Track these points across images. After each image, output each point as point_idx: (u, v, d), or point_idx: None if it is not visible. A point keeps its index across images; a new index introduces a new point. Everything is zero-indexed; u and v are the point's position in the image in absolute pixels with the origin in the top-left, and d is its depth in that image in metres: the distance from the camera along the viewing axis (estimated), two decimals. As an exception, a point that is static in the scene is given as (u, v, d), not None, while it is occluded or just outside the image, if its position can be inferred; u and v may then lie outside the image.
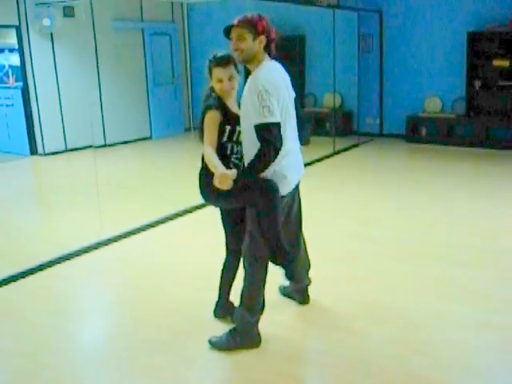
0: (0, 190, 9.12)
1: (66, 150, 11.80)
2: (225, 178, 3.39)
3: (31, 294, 4.94)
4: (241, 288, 3.90)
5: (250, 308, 3.86)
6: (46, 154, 11.54)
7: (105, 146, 12.14)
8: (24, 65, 11.26)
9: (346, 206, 7.28)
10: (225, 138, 3.82)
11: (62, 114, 11.72)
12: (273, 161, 3.50)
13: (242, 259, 3.95)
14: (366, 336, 4.00)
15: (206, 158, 3.67)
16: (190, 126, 13.00)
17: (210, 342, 3.94)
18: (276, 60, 3.88)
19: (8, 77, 12.78)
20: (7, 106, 11.76)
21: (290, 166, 3.74)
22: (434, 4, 11.14)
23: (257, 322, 3.92)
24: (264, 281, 3.88)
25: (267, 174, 3.60)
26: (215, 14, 13.10)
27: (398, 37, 11.69)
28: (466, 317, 4.24)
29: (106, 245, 6.01)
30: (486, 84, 10.69)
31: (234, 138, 3.86)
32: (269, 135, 3.44)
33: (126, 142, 12.61)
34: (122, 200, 7.74)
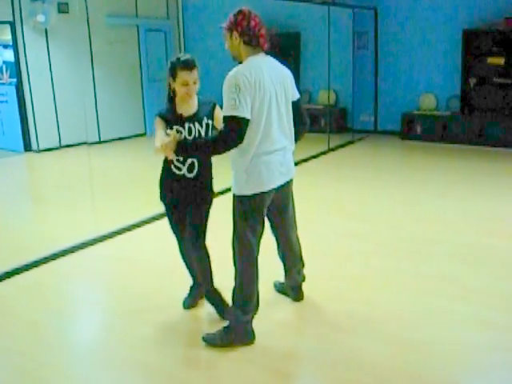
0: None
1: (60, 147, 11.76)
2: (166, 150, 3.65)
3: (25, 291, 4.92)
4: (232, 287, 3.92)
5: (243, 307, 3.86)
6: (40, 151, 11.50)
7: (99, 142, 12.11)
8: (18, 61, 11.21)
9: (341, 203, 7.27)
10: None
11: (56, 111, 11.68)
12: (223, 151, 3.59)
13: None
14: (363, 334, 3.99)
15: (157, 152, 3.76)
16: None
17: (203, 338, 3.93)
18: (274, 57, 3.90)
19: (2, 73, 12.73)
20: (1, 102, 11.72)
21: (275, 163, 3.76)
22: (429, 1, 11.14)
23: (251, 319, 3.92)
24: (255, 278, 3.89)
25: (250, 165, 3.67)
26: (210, 10, 13.08)
27: (393, 34, 11.69)
28: (466, 315, 4.23)
29: (100, 241, 5.99)
30: (481, 81, 10.69)
31: (188, 137, 3.94)
32: (229, 128, 3.52)
33: (120, 139, 12.59)
34: (116, 196, 7.73)
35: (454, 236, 5.91)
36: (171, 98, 4.06)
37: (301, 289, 4.52)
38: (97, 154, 10.18)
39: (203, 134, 4.00)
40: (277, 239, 4.31)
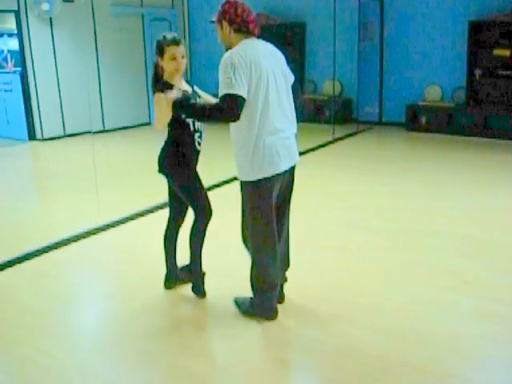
0: (-2, 175, 9.11)
1: (65, 136, 11.78)
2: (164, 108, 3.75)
3: (28, 279, 4.93)
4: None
5: (261, 287, 3.99)
6: (44, 140, 11.52)
7: (103, 131, 12.11)
8: (23, 50, 11.20)
9: (343, 194, 7.26)
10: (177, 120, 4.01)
11: (60, 100, 11.69)
12: (214, 122, 3.72)
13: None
14: (363, 325, 3.99)
15: (160, 122, 3.87)
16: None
17: (235, 299, 4.22)
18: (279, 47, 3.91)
19: (7, 62, 12.74)
20: (6, 91, 11.72)
21: (278, 146, 3.75)
22: (435, -8, 11.09)
23: (274, 296, 4.02)
24: (270, 261, 3.92)
25: (255, 147, 3.68)
26: (214, 1, 13.05)
27: (398, 25, 11.63)
28: (467, 307, 4.22)
29: (103, 230, 6.00)
30: (487, 73, 10.64)
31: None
32: (225, 105, 3.53)
33: (124, 128, 12.58)
34: (119, 186, 7.72)
35: (456, 228, 5.89)
36: (158, 78, 4.13)
37: (282, 290, 4.30)
38: (101, 143, 10.18)
39: None
40: None
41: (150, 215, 6.41)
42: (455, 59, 11.05)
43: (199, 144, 4.20)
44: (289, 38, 12.59)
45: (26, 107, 11.43)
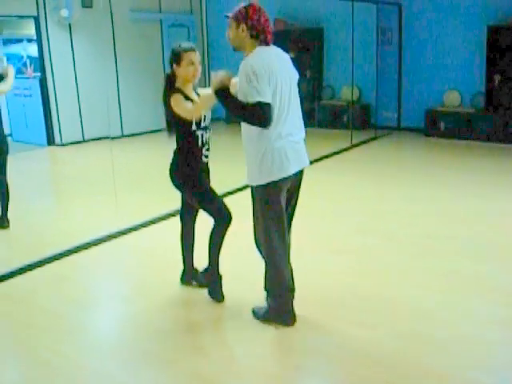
0: (18, 180, 9.15)
1: (84, 141, 11.84)
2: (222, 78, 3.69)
3: (47, 284, 4.95)
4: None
5: (276, 291, 4.02)
6: (63, 145, 11.59)
7: (122, 136, 12.16)
8: (42, 55, 11.29)
9: (361, 199, 7.23)
10: (194, 127, 4.15)
11: (79, 105, 11.75)
12: (247, 121, 3.68)
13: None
14: (379, 330, 3.97)
15: (198, 112, 4.04)
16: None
17: (252, 310, 4.20)
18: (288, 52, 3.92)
19: (26, 67, 12.82)
20: (25, 96, 11.80)
21: (287, 150, 3.78)
22: (454, -3, 11.05)
23: (290, 301, 4.04)
24: (284, 264, 3.97)
25: (265, 151, 3.71)
26: (233, 5, 13.06)
27: (417, 30, 11.59)
28: (481, 312, 4.20)
29: (123, 234, 6.02)
30: (506, 78, 10.57)
31: (202, 125, 4.20)
32: (258, 111, 3.55)
33: (143, 133, 12.62)
34: (138, 190, 7.74)
35: (473, 234, 5.85)
36: (172, 84, 4.22)
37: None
38: (119, 149, 10.21)
39: (208, 122, 4.27)
40: None
41: (169, 220, 6.42)
42: (474, 64, 10.99)
43: (206, 157, 4.31)
44: (307, 43, 12.59)
45: (45, 112, 11.51)
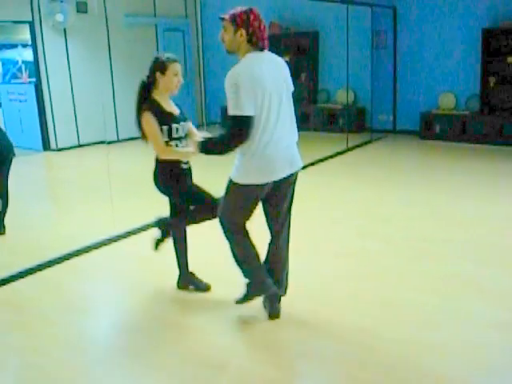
0: (13, 185, 9.12)
1: (79, 146, 11.84)
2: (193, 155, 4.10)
3: (44, 288, 4.94)
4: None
5: (246, 271, 4.12)
6: (58, 150, 11.58)
7: (118, 141, 12.15)
8: (37, 60, 11.28)
9: (357, 202, 7.23)
10: (166, 138, 4.25)
11: (74, 110, 11.75)
12: (230, 149, 3.78)
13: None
14: (379, 334, 3.96)
15: (167, 156, 4.27)
16: (202, 121, 12.97)
17: (236, 301, 4.22)
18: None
19: (21, 72, 12.82)
20: (20, 101, 11.80)
21: (275, 156, 3.81)
22: (448, 0, 11.06)
23: (262, 270, 4.12)
24: (247, 246, 4.07)
25: (250, 159, 3.78)
26: (228, 9, 13.07)
27: (411, 33, 11.62)
28: (482, 316, 4.19)
29: (118, 240, 6.01)
30: (501, 81, 10.60)
31: (175, 135, 4.28)
32: (236, 126, 3.67)
33: (138, 138, 12.56)
34: (134, 195, 7.73)
35: (470, 237, 5.85)
36: (146, 96, 4.39)
37: (278, 302, 4.25)
38: (115, 153, 10.22)
39: (183, 134, 4.38)
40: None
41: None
42: (469, 67, 11.01)
43: (186, 162, 4.40)
44: (302, 46, 12.61)
45: (40, 117, 11.50)
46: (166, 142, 4.24)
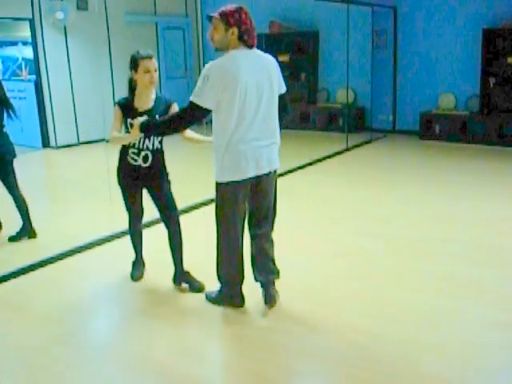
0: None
1: (79, 143, 11.83)
2: (134, 134, 4.21)
3: (41, 287, 4.94)
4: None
5: (226, 282, 4.27)
6: (58, 147, 11.57)
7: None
8: (37, 58, 11.28)
9: (357, 202, 7.23)
10: (125, 130, 4.51)
11: (74, 107, 11.74)
12: (171, 130, 4.01)
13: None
14: (378, 334, 3.96)
15: (114, 142, 4.58)
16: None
17: (205, 294, 4.49)
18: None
19: (21, 70, 12.81)
20: (20, 98, 11.78)
21: (248, 154, 3.89)
22: (449, 0, 11.05)
23: (239, 288, 4.27)
24: (234, 262, 4.19)
25: (223, 155, 3.88)
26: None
27: (412, 33, 11.61)
28: (480, 316, 4.19)
29: (117, 238, 6.00)
30: (501, 81, 10.60)
31: (137, 146, 4.50)
32: (188, 112, 3.85)
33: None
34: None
35: (469, 237, 5.85)
36: (132, 90, 4.52)
37: (273, 286, 4.39)
38: (114, 151, 10.18)
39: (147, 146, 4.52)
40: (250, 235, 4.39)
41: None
42: (469, 67, 11.01)
43: (134, 160, 4.58)
44: (302, 46, 12.59)
45: (40, 115, 11.50)
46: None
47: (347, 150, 10.58)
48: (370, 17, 11.65)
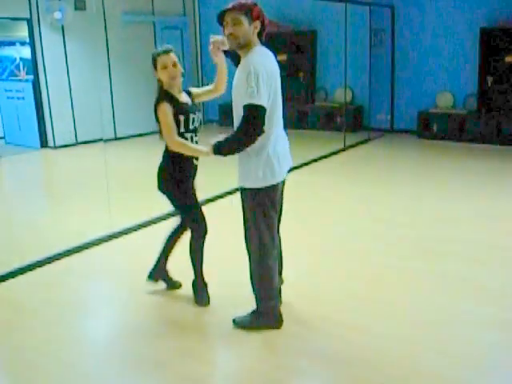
0: (11, 183, 9.14)
1: (77, 143, 11.82)
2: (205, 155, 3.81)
3: (39, 287, 4.93)
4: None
5: (264, 295, 3.96)
6: (56, 147, 11.56)
7: (115, 139, 12.14)
8: (35, 58, 11.27)
9: (355, 201, 7.23)
10: (182, 129, 4.10)
11: (72, 107, 11.73)
12: (251, 142, 3.57)
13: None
14: (379, 334, 3.96)
15: (178, 148, 4.03)
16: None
17: (234, 321, 4.07)
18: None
19: (19, 70, 12.80)
20: (18, 98, 11.78)
21: (280, 154, 3.77)
22: (446, -1, 11.08)
23: (276, 305, 4.01)
24: (272, 271, 3.92)
25: (268, 155, 3.66)
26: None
27: (410, 32, 11.61)
28: (482, 315, 4.19)
29: (115, 238, 6.00)
30: (499, 80, 10.61)
31: (191, 127, 4.17)
32: (251, 116, 3.50)
33: (136, 136, 12.60)
34: (131, 193, 7.73)
35: (469, 236, 5.86)
36: (160, 89, 4.24)
37: (279, 293, 4.22)
38: (113, 151, 10.20)
39: (198, 124, 4.22)
40: None
41: (162, 223, 6.40)
42: (467, 66, 11.02)
43: (197, 159, 4.24)
44: (300, 45, 12.59)
45: (38, 115, 11.49)
46: (182, 134, 4.09)
47: (345, 149, 10.58)
48: (368, 16, 11.65)
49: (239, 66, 3.68)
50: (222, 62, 4.28)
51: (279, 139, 3.78)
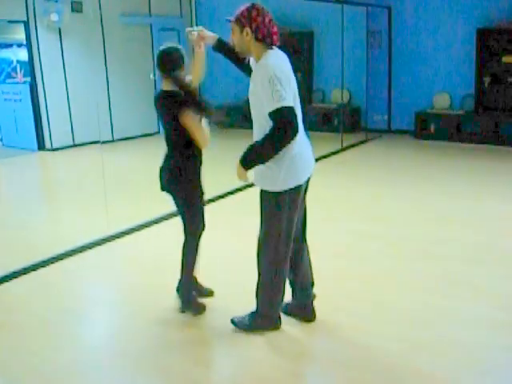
0: (7, 185, 9.13)
1: (74, 145, 11.81)
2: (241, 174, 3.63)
3: (36, 289, 4.93)
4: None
5: (270, 302, 3.93)
6: (53, 149, 11.55)
7: (112, 141, 12.13)
8: (32, 60, 11.25)
9: (353, 202, 7.24)
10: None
11: (69, 109, 11.73)
12: (287, 143, 3.44)
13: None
14: (374, 334, 3.97)
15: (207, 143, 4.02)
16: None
17: (232, 321, 4.03)
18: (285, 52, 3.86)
19: (16, 72, 12.80)
20: (15, 101, 11.77)
21: (304, 154, 3.71)
22: (443, 0, 11.07)
23: (279, 306, 3.98)
24: (283, 273, 3.88)
25: (293, 155, 3.57)
26: (223, 8, 13.06)
27: (407, 33, 11.63)
28: (477, 315, 4.20)
29: (112, 240, 6.00)
30: (496, 80, 10.61)
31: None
32: (284, 117, 3.39)
33: (133, 138, 12.60)
34: (128, 195, 7.73)
35: (466, 236, 5.86)
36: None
37: (312, 307, 4.19)
38: (110, 153, 10.18)
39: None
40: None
41: (158, 225, 6.40)
42: (464, 67, 11.03)
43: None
44: (297, 46, 12.59)
45: (35, 117, 11.47)
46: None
47: (342, 150, 10.59)
48: (365, 17, 11.65)
49: (254, 70, 3.65)
50: (203, 52, 4.19)
51: (302, 142, 3.67)
